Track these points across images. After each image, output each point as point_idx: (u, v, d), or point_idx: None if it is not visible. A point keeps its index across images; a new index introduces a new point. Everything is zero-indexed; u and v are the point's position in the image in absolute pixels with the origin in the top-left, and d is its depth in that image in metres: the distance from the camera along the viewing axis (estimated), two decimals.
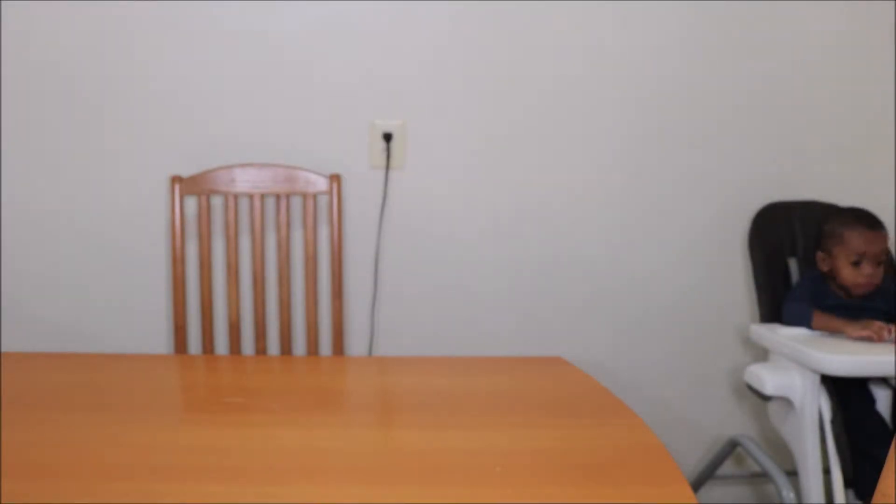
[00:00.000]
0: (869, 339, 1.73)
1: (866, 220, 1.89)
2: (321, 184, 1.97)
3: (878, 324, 1.74)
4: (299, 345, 2.07)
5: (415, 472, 1.23)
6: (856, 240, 1.86)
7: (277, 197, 1.97)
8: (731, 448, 2.02)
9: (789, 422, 1.80)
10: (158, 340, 2.09)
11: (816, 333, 1.81)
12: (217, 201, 2.01)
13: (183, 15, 1.96)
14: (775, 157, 2.09)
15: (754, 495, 2.29)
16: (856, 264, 1.86)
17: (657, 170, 2.08)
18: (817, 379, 1.73)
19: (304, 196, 1.97)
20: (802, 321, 1.84)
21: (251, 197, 1.96)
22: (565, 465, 1.26)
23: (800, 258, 2.01)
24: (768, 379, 1.76)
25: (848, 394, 1.82)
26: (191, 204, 2.01)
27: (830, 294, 1.91)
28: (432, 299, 2.11)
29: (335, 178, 1.97)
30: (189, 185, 1.95)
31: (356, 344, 2.12)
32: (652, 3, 2.00)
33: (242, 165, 1.97)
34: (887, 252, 1.90)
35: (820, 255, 1.94)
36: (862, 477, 1.74)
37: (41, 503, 1.11)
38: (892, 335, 1.73)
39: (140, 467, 1.22)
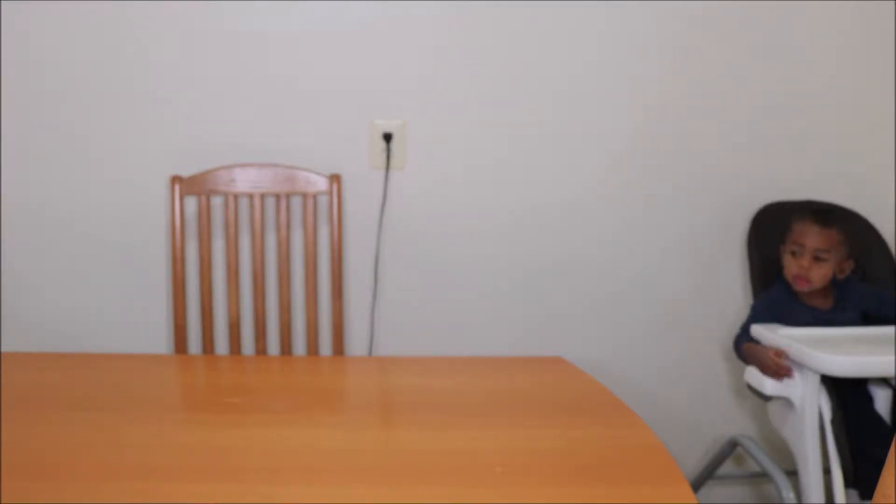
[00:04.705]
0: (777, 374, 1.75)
1: (818, 216, 1.86)
2: (321, 184, 1.97)
3: (773, 361, 1.74)
4: (299, 345, 2.07)
5: (415, 472, 1.23)
6: (798, 230, 1.85)
7: (277, 197, 1.97)
8: (731, 448, 2.01)
9: (789, 422, 1.80)
10: (158, 340, 2.09)
11: (817, 334, 1.79)
12: (217, 201, 2.01)
13: (183, 15, 1.96)
14: (775, 157, 2.09)
15: (754, 495, 2.29)
16: (793, 254, 1.85)
17: (657, 170, 2.08)
18: (817, 379, 1.73)
19: (304, 196, 1.97)
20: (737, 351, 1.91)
21: (251, 197, 1.96)
22: (565, 465, 1.26)
23: None
24: (768, 379, 1.76)
25: (848, 394, 1.82)
26: (191, 204, 2.01)
27: (800, 306, 1.88)
28: (432, 299, 2.11)
29: (335, 178, 1.97)
30: (189, 185, 1.95)
31: (356, 344, 2.12)
32: (652, 3, 2.00)
33: (242, 165, 1.97)
34: (836, 251, 1.84)
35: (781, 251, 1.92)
36: (866, 478, 1.74)
37: (41, 503, 1.11)
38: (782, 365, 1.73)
39: (140, 467, 1.22)
